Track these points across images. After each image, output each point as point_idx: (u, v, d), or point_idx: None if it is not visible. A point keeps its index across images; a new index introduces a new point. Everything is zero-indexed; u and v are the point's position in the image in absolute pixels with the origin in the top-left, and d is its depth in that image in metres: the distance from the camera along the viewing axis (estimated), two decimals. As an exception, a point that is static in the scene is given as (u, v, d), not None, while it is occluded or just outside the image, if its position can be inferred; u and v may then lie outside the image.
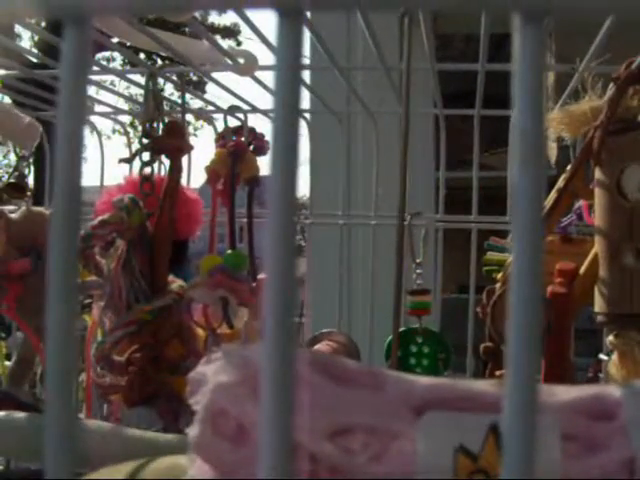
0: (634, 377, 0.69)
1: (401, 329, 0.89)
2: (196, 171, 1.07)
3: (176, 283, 0.83)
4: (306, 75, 1.41)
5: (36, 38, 6.20)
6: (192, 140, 0.89)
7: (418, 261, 0.97)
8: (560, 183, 0.76)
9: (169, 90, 5.07)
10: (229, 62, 0.93)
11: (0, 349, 1.08)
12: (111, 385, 0.80)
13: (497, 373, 0.79)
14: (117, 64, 8.51)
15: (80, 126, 0.21)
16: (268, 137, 0.98)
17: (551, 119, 0.74)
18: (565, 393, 0.35)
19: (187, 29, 3.66)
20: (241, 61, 0.94)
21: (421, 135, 1.96)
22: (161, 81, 0.94)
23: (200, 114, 1.28)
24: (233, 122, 1.00)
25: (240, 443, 0.34)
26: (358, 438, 0.34)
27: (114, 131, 8.37)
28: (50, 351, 0.21)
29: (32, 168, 1.02)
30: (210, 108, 1.18)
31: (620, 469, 0.32)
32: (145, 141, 0.84)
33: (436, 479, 0.33)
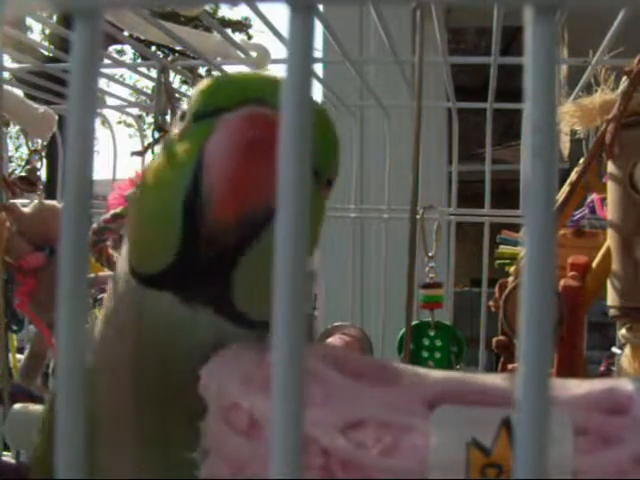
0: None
1: (414, 322, 0.89)
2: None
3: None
4: (319, 69, 1.41)
5: (47, 31, 6.21)
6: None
7: (430, 254, 0.96)
8: (573, 176, 0.75)
9: (176, 84, 5.05)
10: (241, 55, 0.93)
11: (12, 342, 1.09)
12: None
13: (509, 367, 0.79)
14: (128, 57, 8.51)
15: (90, 119, 0.21)
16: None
17: (564, 112, 0.74)
18: (577, 387, 0.35)
19: (198, 22, 3.66)
20: (253, 54, 0.94)
21: (434, 128, 1.96)
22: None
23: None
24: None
25: (253, 437, 0.34)
26: (370, 432, 0.34)
27: (120, 122, 8.35)
28: (61, 345, 0.21)
29: (44, 161, 1.02)
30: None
31: (633, 463, 0.32)
32: (157, 134, 0.84)
33: (448, 474, 0.33)
